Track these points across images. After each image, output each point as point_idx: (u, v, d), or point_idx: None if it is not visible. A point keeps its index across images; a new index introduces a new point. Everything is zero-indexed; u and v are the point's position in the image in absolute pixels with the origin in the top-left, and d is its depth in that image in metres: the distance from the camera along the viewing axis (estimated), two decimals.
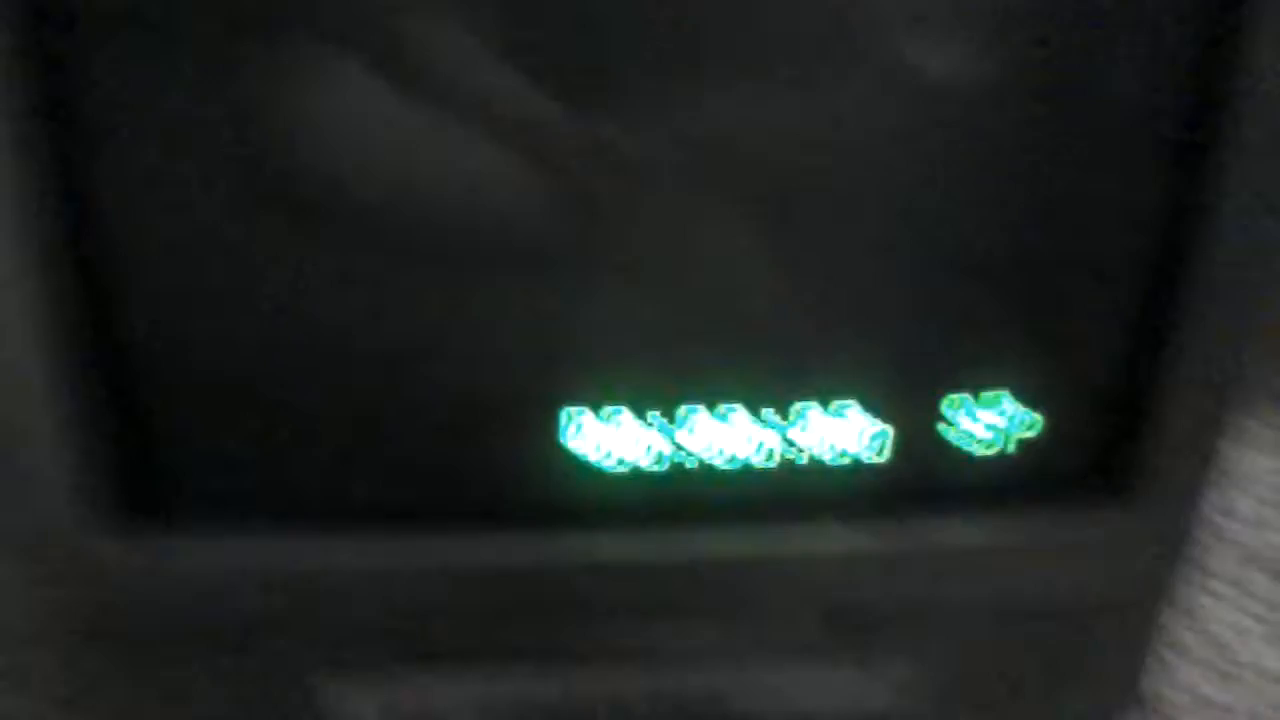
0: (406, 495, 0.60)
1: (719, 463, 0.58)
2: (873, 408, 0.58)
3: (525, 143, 0.51)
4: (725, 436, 0.58)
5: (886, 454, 0.59)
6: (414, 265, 0.54)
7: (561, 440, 0.57)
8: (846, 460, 0.59)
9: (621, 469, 0.58)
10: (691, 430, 0.58)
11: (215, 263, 0.53)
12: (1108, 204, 0.55)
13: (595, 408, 0.57)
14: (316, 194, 0.52)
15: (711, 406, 0.57)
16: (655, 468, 0.58)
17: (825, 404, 0.58)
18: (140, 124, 0.50)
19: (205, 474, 0.58)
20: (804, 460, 0.59)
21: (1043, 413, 0.58)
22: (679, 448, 0.58)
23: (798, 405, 0.58)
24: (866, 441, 0.58)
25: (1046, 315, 0.58)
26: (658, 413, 0.57)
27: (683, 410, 0.57)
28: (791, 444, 0.58)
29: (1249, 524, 0.87)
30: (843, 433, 0.58)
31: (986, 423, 0.58)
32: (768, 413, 0.58)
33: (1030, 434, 0.59)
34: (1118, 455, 0.60)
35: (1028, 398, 0.58)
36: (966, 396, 0.58)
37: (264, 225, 0.53)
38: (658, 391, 0.57)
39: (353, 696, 0.64)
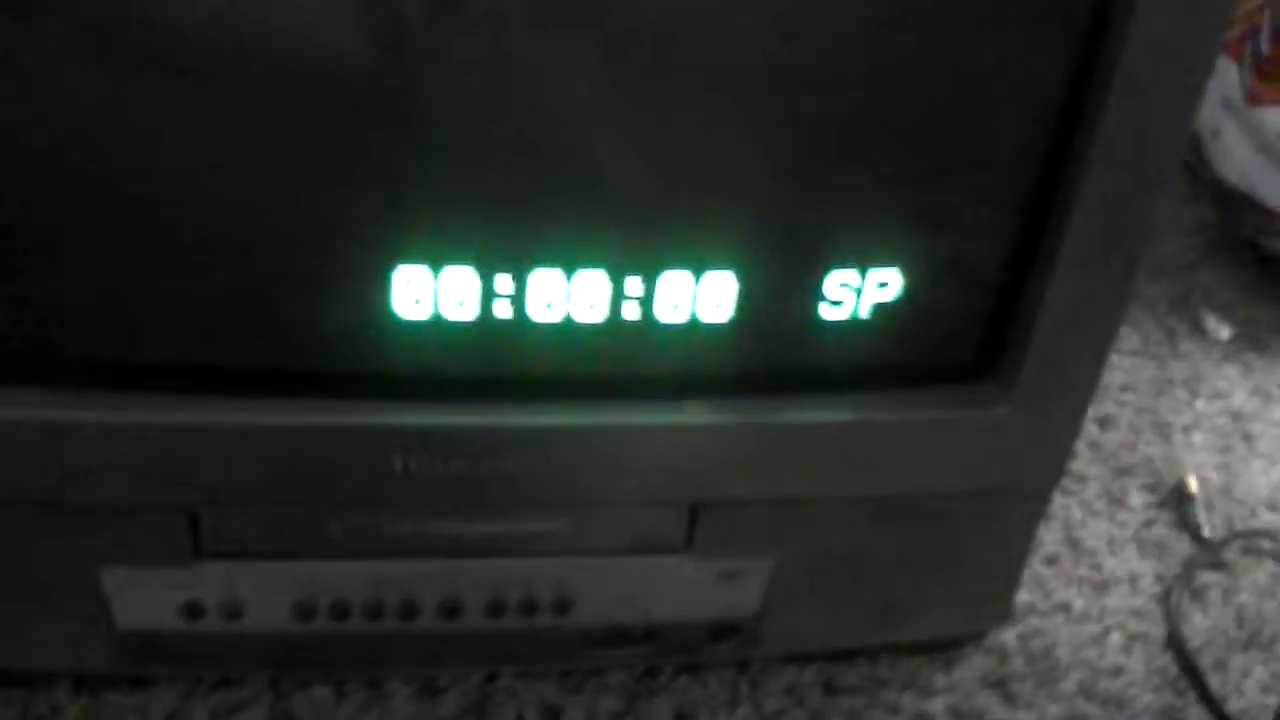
0: (207, 357, 0.53)
1: (568, 333, 0.53)
2: (737, 275, 0.53)
3: None
4: (578, 303, 0.52)
5: (746, 323, 0.54)
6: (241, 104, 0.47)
7: (391, 304, 0.51)
8: (706, 332, 0.54)
9: (458, 334, 0.52)
10: (541, 296, 0.52)
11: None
12: (997, 74, 0.51)
13: (435, 267, 0.51)
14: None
15: (567, 270, 0.52)
16: (496, 334, 0.52)
17: (682, 269, 0.52)
18: None
19: None
20: (657, 330, 0.54)
21: (901, 272, 0.54)
22: (524, 313, 0.52)
23: (653, 271, 0.52)
24: (729, 311, 0.54)
25: (921, 188, 0.54)
26: (509, 275, 0.51)
27: (535, 274, 0.52)
28: (648, 313, 0.53)
29: (1125, 436, 0.85)
30: (702, 302, 0.53)
31: (839, 281, 0.54)
32: (625, 279, 0.52)
33: (884, 296, 0.54)
34: (994, 341, 0.57)
35: (886, 259, 0.54)
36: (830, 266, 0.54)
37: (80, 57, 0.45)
38: (508, 253, 0.51)
39: (149, 588, 0.57)
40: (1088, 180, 0.52)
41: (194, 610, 0.58)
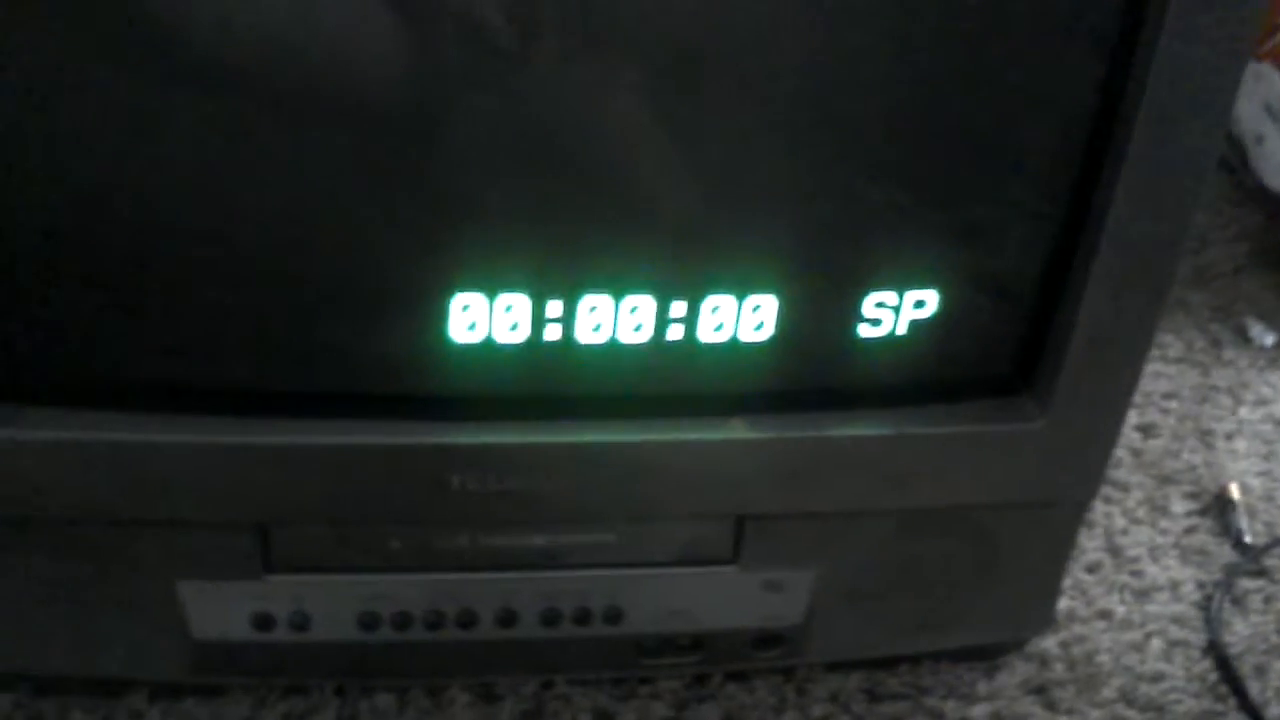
0: (275, 381, 0.56)
1: (616, 354, 0.55)
2: (777, 297, 0.55)
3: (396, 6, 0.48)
4: (625, 326, 0.55)
5: (787, 343, 0.56)
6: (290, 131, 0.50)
7: (448, 330, 0.54)
8: (748, 351, 0.56)
9: (510, 357, 0.55)
10: (590, 320, 0.54)
11: (69, 123, 0.49)
12: (1030, 92, 0.52)
13: (490, 293, 0.53)
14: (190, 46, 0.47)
15: (615, 295, 0.54)
16: (547, 356, 0.55)
17: (725, 293, 0.55)
18: None
19: (53, 354, 0.54)
20: (701, 351, 0.56)
21: (938, 291, 0.56)
22: (574, 338, 0.55)
23: (697, 294, 0.55)
24: (770, 331, 0.56)
25: (956, 207, 0.55)
26: (559, 301, 0.54)
27: (585, 299, 0.54)
28: (692, 334, 0.55)
29: (1168, 443, 0.86)
30: (744, 323, 0.55)
31: (876, 301, 0.56)
32: (670, 303, 0.55)
33: (921, 314, 0.56)
34: (1030, 355, 0.58)
35: (924, 279, 0.56)
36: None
37: (125, 78, 0.48)
38: (560, 279, 0.54)
39: (222, 600, 0.60)
40: (1120, 194, 0.53)
41: (264, 621, 0.61)
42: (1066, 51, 0.52)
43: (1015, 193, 0.55)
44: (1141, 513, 0.81)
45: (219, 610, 0.61)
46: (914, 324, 0.57)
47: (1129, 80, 0.51)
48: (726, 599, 0.64)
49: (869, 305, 0.56)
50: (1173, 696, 0.69)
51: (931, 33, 0.51)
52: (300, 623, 0.61)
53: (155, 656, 0.62)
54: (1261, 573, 0.77)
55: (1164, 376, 0.92)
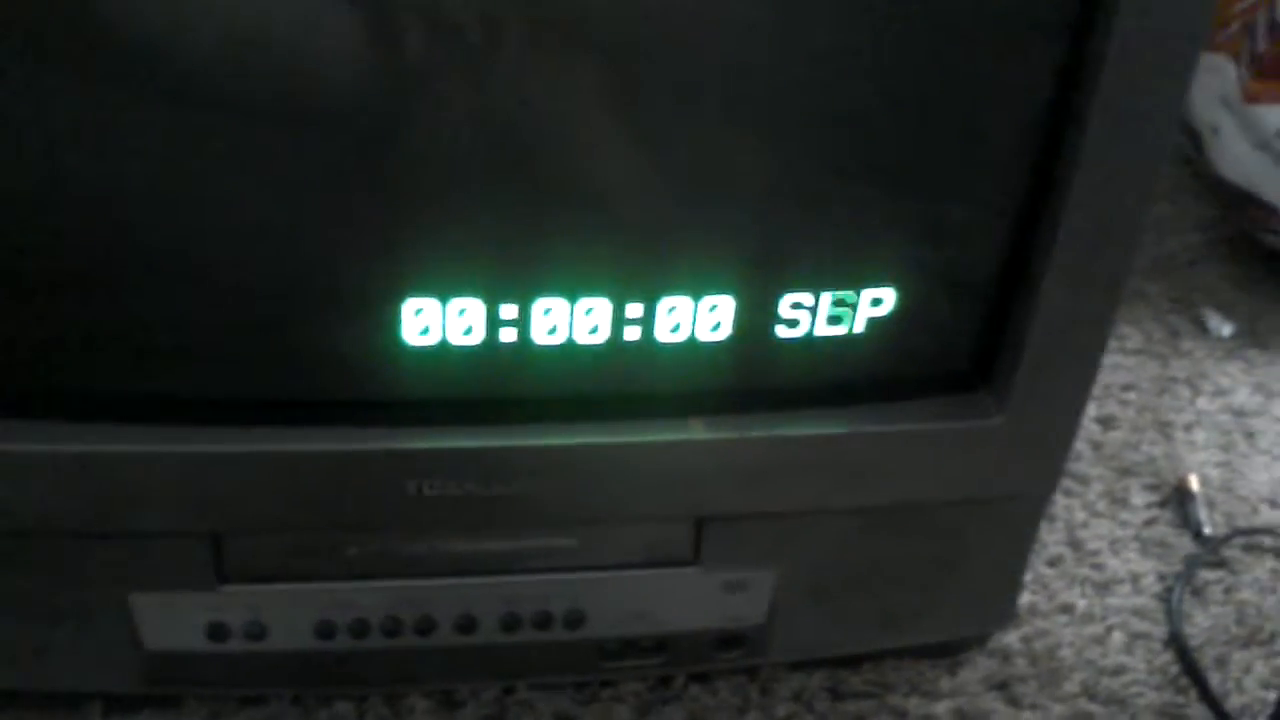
0: (226, 388, 0.55)
1: (572, 356, 0.55)
2: (736, 299, 0.55)
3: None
4: (580, 328, 0.54)
5: (744, 342, 0.56)
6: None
7: (401, 333, 0.53)
8: (705, 351, 0.56)
9: (465, 360, 0.54)
10: (545, 322, 0.54)
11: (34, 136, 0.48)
12: (984, 86, 0.52)
13: (443, 297, 0.53)
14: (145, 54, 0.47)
15: (570, 297, 0.54)
16: (502, 359, 0.54)
17: (681, 294, 0.54)
18: None
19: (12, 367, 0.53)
20: (658, 351, 0.55)
21: (895, 288, 0.56)
22: (529, 340, 0.54)
23: (653, 295, 0.54)
24: (727, 331, 0.55)
25: (912, 203, 0.55)
26: (514, 304, 0.53)
27: (539, 301, 0.54)
28: (649, 335, 0.55)
29: (1127, 435, 0.86)
30: (701, 323, 0.55)
31: (834, 299, 0.56)
32: (626, 304, 0.54)
33: (879, 312, 0.56)
34: (987, 351, 0.58)
35: (881, 277, 0.56)
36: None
37: (70, 82, 0.47)
38: (514, 282, 0.53)
39: (176, 611, 0.59)
40: (1074, 188, 0.53)
41: (219, 632, 0.60)
42: (1020, 45, 0.52)
43: (970, 188, 0.55)
44: (1102, 505, 0.81)
45: (173, 621, 0.60)
46: (871, 321, 0.56)
47: (1083, 73, 0.51)
48: (688, 600, 0.63)
49: (826, 304, 0.56)
50: (1134, 689, 0.69)
51: (886, 28, 0.50)
52: (256, 632, 0.60)
53: (109, 669, 0.61)
54: (1221, 564, 0.77)
55: (1122, 368, 0.93)
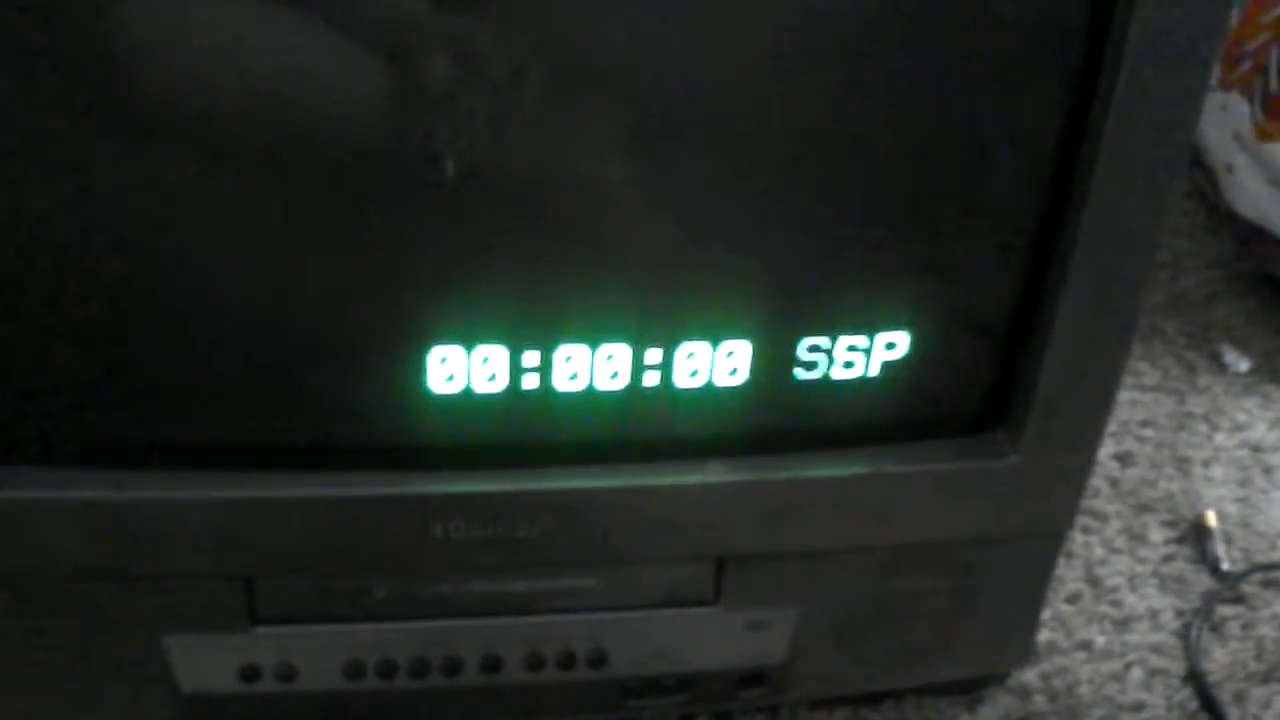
0: (257, 435, 0.57)
1: (592, 401, 0.56)
2: (753, 344, 0.56)
3: (382, 42, 0.48)
4: (601, 374, 0.55)
5: (761, 387, 0.57)
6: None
7: (426, 381, 0.55)
8: (723, 396, 0.57)
9: (489, 406, 0.55)
10: (567, 369, 0.55)
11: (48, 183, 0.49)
12: (991, 130, 0.53)
13: (467, 345, 0.54)
14: (157, 106, 0.48)
15: (591, 344, 0.55)
16: (525, 405, 0.56)
17: (699, 339, 0.56)
18: None
19: (31, 413, 0.54)
20: (676, 396, 0.56)
21: (908, 332, 0.57)
22: (551, 386, 0.56)
23: (672, 342, 0.55)
24: (745, 376, 0.56)
25: (925, 247, 0.56)
26: (536, 351, 0.55)
27: (561, 349, 0.55)
28: (668, 380, 0.56)
29: (1145, 472, 0.87)
30: (719, 369, 0.56)
31: (848, 344, 0.57)
32: (645, 350, 0.55)
33: (893, 355, 0.57)
34: (1001, 391, 0.59)
35: (894, 321, 0.57)
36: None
37: (98, 141, 0.49)
38: (536, 330, 0.55)
39: (209, 654, 0.60)
40: (1085, 227, 0.54)
41: (251, 673, 0.61)
42: (1030, 87, 0.53)
43: (981, 230, 0.56)
44: (1120, 542, 0.81)
45: (206, 663, 0.61)
46: (886, 365, 0.57)
47: (1091, 113, 0.52)
48: (709, 640, 0.64)
49: (840, 349, 0.57)
50: None
51: (897, 74, 0.51)
52: (286, 674, 0.61)
53: (143, 711, 0.62)
54: (1239, 599, 0.78)
55: (1140, 404, 0.93)
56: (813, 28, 0.50)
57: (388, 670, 0.62)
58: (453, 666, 0.62)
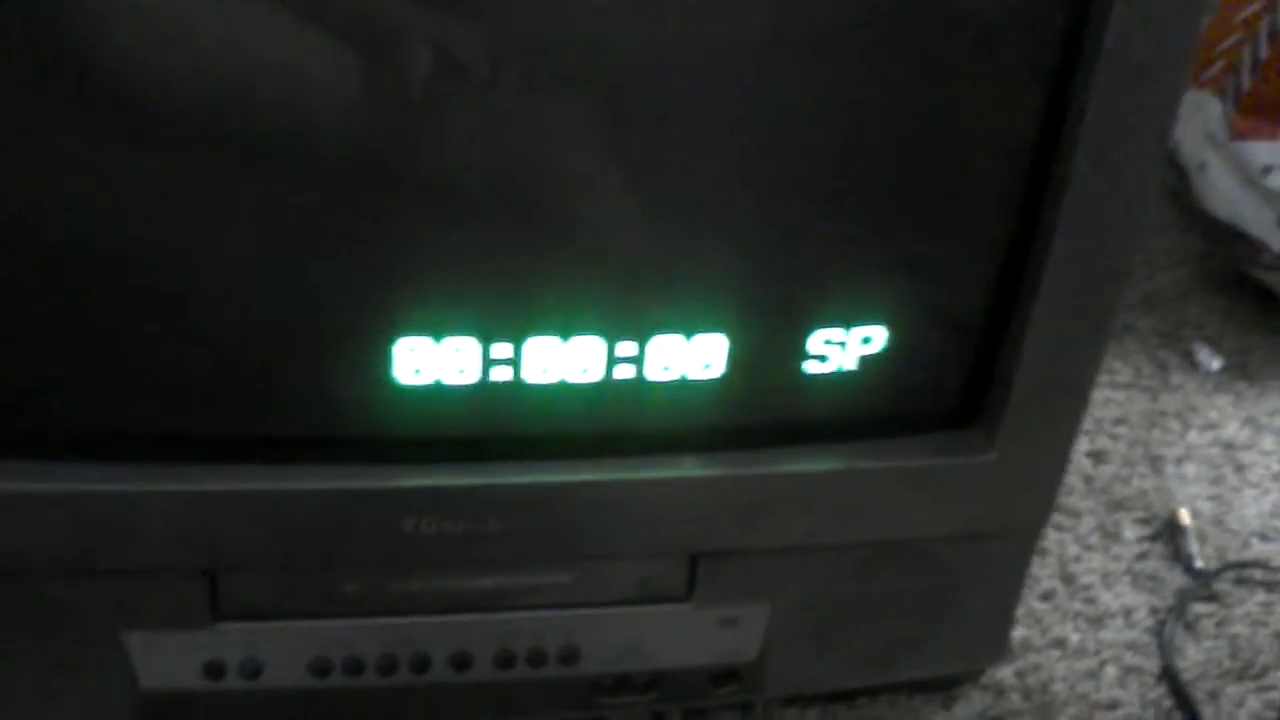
0: (222, 427, 0.56)
1: (564, 395, 0.55)
2: (728, 337, 0.55)
3: (358, 40, 0.48)
4: (573, 367, 0.55)
5: (735, 381, 0.56)
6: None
7: (394, 373, 0.54)
8: (697, 390, 0.56)
9: (459, 399, 0.55)
10: (538, 361, 0.55)
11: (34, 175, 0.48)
12: (968, 128, 0.53)
13: (436, 336, 0.53)
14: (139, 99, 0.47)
15: (563, 336, 0.54)
16: (496, 398, 0.55)
17: (672, 333, 0.55)
18: None
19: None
20: (649, 390, 0.56)
21: (885, 326, 0.56)
22: (522, 379, 0.55)
23: (644, 335, 0.55)
24: (719, 370, 0.56)
25: (902, 243, 0.56)
26: (507, 343, 0.54)
27: (532, 341, 0.54)
28: (640, 374, 0.55)
29: (1118, 469, 0.87)
30: (692, 362, 0.55)
31: (824, 338, 0.56)
32: (617, 343, 0.55)
33: (869, 350, 0.57)
34: (977, 388, 0.59)
35: (870, 315, 0.56)
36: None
37: (64, 134, 0.48)
38: (507, 321, 0.54)
39: (172, 650, 0.59)
40: (1061, 226, 0.53)
41: (215, 670, 0.60)
42: (1006, 86, 0.53)
43: (957, 227, 0.56)
44: (1094, 540, 0.81)
45: (168, 660, 0.60)
46: (862, 359, 0.57)
47: (1068, 112, 0.52)
48: (682, 636, 0.64)
49: (816, 342, 0.56)
50: None
51: (874, 74, 0.51)
52: (252, 670, 0.60)
53: (104, 708, 0.61)
54: (1213, 597, 0.78)
55: (1113, 402, 0.93)
56: (788, 25, 0.49)
57: (355, 667, 0.61)
58: (421, 663, 0.61)
